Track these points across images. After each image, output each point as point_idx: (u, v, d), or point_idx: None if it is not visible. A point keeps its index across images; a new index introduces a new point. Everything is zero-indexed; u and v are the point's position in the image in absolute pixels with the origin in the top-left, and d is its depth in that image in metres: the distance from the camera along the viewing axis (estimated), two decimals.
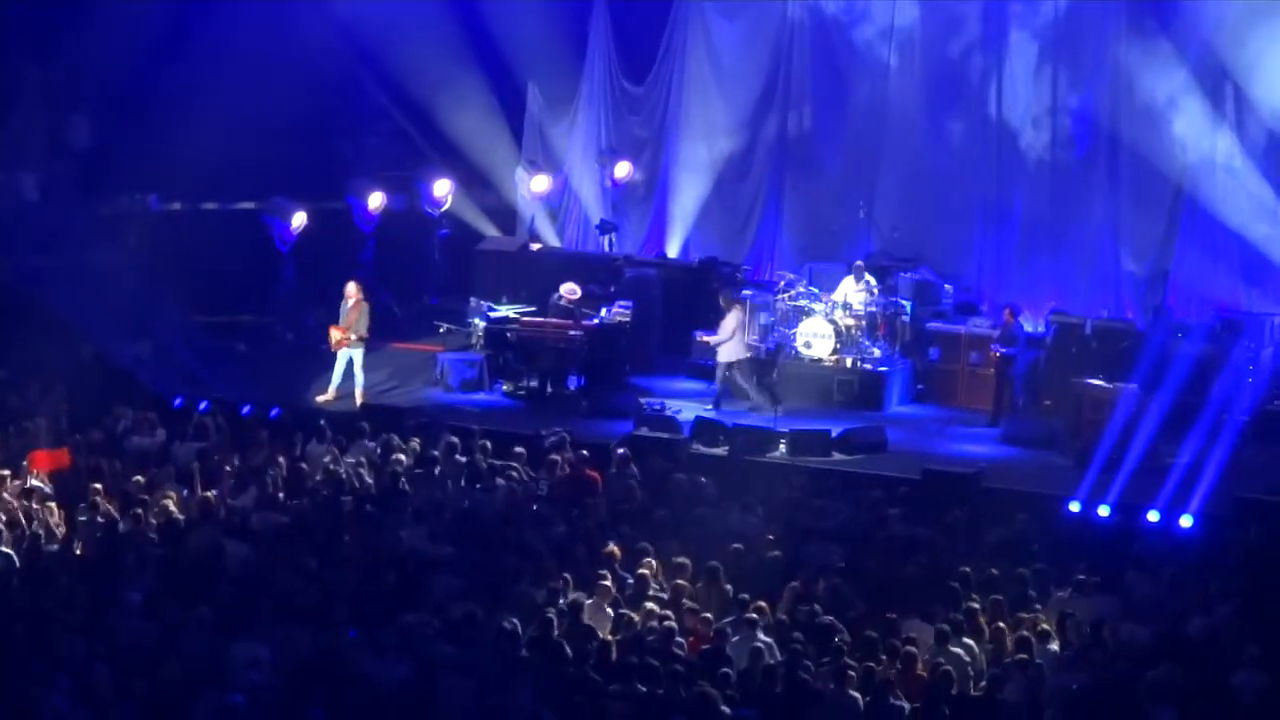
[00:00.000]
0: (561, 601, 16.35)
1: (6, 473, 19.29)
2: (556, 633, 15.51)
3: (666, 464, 20.55)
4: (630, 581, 17.01)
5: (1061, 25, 26.82)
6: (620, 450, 20.72)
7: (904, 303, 25.45)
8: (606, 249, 28.99)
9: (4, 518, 18.09)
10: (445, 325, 26.47)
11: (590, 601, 16.36)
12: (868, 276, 25.27)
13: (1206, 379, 22.80)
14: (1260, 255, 25.50)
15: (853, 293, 24.96)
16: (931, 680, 14.97)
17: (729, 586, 16.98)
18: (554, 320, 24.76)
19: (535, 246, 28.64)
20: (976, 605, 16.50)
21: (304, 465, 20.09)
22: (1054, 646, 16.04)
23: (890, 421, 23.50)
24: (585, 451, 20.69)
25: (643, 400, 23.62)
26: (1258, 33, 25.12)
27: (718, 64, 29.15)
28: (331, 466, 20.05)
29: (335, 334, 23.92)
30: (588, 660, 15.13)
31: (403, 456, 20.35)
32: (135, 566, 17.13)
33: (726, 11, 29.18)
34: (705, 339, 24.75)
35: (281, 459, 20.19)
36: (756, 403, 23.80)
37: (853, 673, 14.83)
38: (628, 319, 25.50)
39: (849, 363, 24.55)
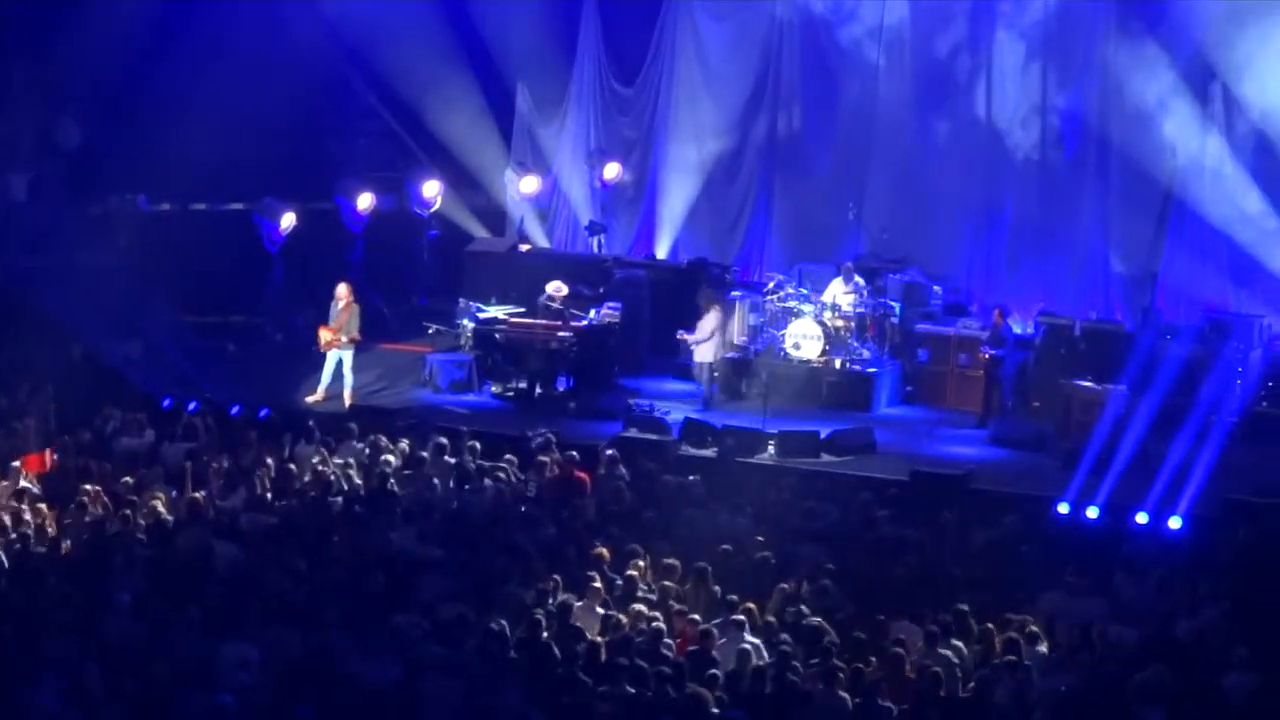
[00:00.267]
0: (550, 603, 16.35)
1: None
2: (545, 634, 15.52)
3: (655, 465, 20.55)
4: (619, 583, 17.01)
5: (1050, 25, 26.80)
6: (609, 451, 20.72)
7: (893, 304, 25.43)
8: (596, 250, 28.96)
9: None
10: (434, 326, 26.39)
11: (579, 603, 16.36)
12: (857, 278, 25.26)
13: (1195, 380, 22.82)
14: (1249, 257, 25.51)
15: (842, 294, 24.96)
16: (920, 682, 14.97)
17: (717, 588, 16.96)
18: (543, 321, 24.75)
19: (524, 248, 28.55)
20: (965, 607, 16.50)
21: (293, 466, 20.06)
22: (1042, 648, 16.05)
23: (879, 423, 23.50)
24: (574, 453, 20.67)
25: (631, 401, 23.56)
26: (1247, 34, 25.13)
27: (707, 65, 29.13)
28: (320, 467, 20.02)
29: (324, 335, 23.87)
30: (576, 661, 15.13)
31: (391, 457, 20.33)
32: (124, 567, 17.10)
33: (715, 13, 29.16)
34: (684, 337, 24.76)
35: (270, 460, 20.18)
36: (708, 398, 23.94)
37: (841, 674, 14.83)
38: (617, 320, 25.47)
39: (838, 364, 24.54)
